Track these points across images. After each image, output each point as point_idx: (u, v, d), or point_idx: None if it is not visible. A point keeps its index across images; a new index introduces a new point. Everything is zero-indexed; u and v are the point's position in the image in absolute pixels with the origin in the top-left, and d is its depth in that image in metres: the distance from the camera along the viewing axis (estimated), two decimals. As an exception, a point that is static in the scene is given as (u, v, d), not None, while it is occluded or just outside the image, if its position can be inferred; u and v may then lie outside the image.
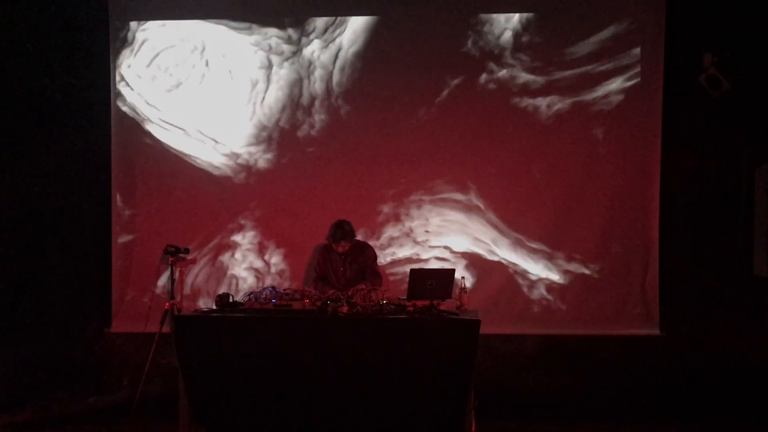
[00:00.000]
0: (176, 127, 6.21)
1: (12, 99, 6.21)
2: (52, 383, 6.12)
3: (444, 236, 6.01)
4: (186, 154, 6.19)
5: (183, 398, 4.68)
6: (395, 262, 6.03)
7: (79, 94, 6.25)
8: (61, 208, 6.30)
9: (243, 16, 6.13)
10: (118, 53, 6.22)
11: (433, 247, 6.01)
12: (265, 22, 6.11)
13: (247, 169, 6.15)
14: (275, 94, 6.12)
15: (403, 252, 6.04)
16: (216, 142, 6.18)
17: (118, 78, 6.22)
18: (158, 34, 6.19)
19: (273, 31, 6.11)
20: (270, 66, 6.12)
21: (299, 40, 6.09)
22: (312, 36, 6.08)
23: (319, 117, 6.08)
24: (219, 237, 6.17)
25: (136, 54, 6.22)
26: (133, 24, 6.20)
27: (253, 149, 6.15)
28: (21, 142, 6.26)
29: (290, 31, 6.10)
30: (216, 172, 6.18)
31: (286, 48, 6.11)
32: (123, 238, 6.24)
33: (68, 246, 6.28)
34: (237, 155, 6.17)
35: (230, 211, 6.17)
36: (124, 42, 6.21)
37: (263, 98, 6.13)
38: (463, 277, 5.02)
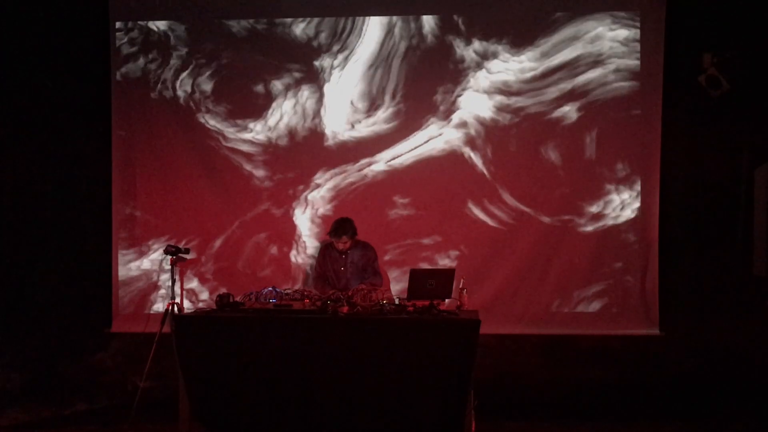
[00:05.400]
0: (177, 126, 6.21)
1: (12, 99, 6.21)
2: (52, 383, 6.12)
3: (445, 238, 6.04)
4: (188, 154, 6.19)
5: (183, 398, 4.68)
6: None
7: (79, 94, 6.25)
8: (61, 208, 6.29)
9: (251, 13, 6.12)
10: (118, 53, 6.22)
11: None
12: (271, 16, 6.12)
13: (250, 167, 6.16)
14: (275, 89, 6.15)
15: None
16: (219, 141, 6.18)
17: (118, 77, 6.22)
18: (158, 33, 6.19)
19: (284, 29, 6.13)
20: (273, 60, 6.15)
21: (309, 40, 6.12)
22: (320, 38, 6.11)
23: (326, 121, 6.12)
24: (220, 237, 6.17)
25: (136, 53, 6.22)
26: (133, 23, 6.20)
27: (257, 149, 6.16)
28: (21, 142, 6.26)
29: (299, 29, 6.12)
30: (218, 172, 6.17)
31: (294, 47, 6.13)
32: (123, 238, 6.24)
33: (68, 246, 6.28)
34: (241, 155, 6.17)
35: (232, 210, 6.17)
36: (125, 41, 6.21)
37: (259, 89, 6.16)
38: (462, 279, 5.02)
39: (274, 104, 6.13)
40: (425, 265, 5.94)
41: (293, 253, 6.14)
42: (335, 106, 6.09)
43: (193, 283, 6.20)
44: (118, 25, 6.21)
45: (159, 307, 6.04)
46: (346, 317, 4.57)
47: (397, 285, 5.91)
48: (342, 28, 6.07)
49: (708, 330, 5.80)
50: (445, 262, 5.98)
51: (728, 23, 5.70)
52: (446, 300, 4.80)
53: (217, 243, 6.17)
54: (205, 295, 6.17)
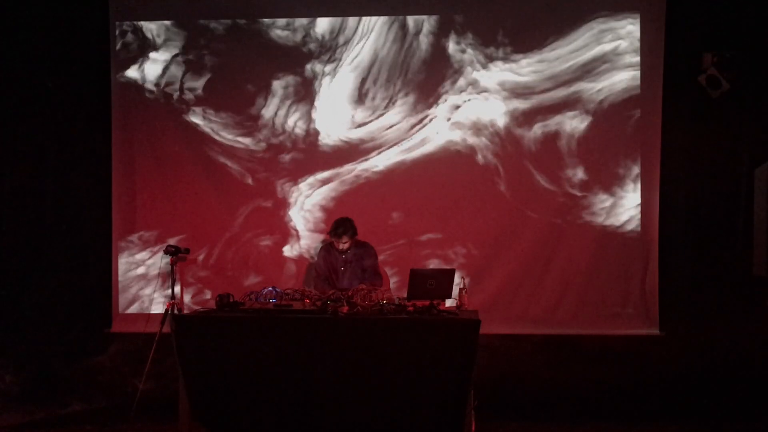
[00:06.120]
0: (177, 127, 6.21)
1: (12, 99, 6.21)
2: (51, 384, 6.12)
3: (443, 238, 6.03)
4: (188, 155, 6.19)
5: (183, 398, 4.68)
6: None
7: (79, 94, 6.25)
8: (61, 208, 6.29)
9: (249, 14, 6.12)
10: (118, 52, 6.22)
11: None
12: (270, 16, 6.13)
13: (250, 169, 6.16)
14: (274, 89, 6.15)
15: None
16: (220, 142, 6.18)
17: (119, 77, 6.22)
18: (158, 34, 6.20)
19: (280, 30, 6.13)
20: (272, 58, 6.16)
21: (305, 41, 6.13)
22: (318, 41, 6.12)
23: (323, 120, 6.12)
24: (220, 237, 6.17)
25: (136, 54, 6.22)
26: (133, 23, 6.20)
27: (256, 149, 6.16)
28: (21, 142, 6.26)
29: (298, 30, 6.13)
30: (219, 172, 6.18)
31: (296, 47, 6.15)
32: (123, 238, 6.24)
33: (68, 246, 6.28)
34: (241, 156, 6.17)
35: (232, 210, 6.17)
36: (125, 42, 6.21)
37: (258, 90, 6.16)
38: (463, 277, 5.02)
39: (272, 104, 6.14)
40: (434, 264, 5.95)
41: (287, 248, 6.14)
42: (334, 106, 6.09)
43: (190, 280, 6.20)
44: (118, 25, 6.21)
45: (159, 307, 6.03)
46: (346, 317, 4.56)
47: (394, 282, 5.94)
48: (341, 28, 6.07)
49: (708, 330, 5.79)
50: (445, 262, 5.98)
51: (728, 23, 5.71)
52: (446, 300, 4.81)
53: (217, 243, 6.17)
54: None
